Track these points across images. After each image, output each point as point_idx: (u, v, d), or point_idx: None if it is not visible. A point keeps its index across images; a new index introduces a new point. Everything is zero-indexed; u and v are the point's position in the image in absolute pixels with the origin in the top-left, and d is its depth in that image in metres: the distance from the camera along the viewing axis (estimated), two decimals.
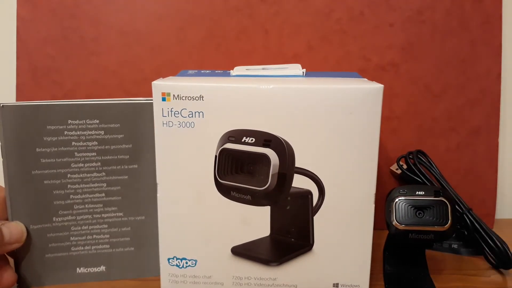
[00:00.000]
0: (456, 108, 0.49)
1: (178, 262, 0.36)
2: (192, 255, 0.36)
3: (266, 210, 0.35)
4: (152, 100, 0.33)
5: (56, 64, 0.49)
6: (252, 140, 0.33)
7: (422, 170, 0.44)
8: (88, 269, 0.39)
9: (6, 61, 0.51)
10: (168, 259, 0.36)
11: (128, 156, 0.38)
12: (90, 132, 0.37)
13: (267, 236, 0.35)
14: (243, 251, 0.35)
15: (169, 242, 0.36)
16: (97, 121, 0.37)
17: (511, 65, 0.52)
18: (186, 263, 0.36)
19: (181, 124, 0.34)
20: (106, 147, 0.37)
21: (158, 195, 0.35)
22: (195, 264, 0.36)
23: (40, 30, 0.49)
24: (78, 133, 0.37)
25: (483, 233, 0.41)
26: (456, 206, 0.42)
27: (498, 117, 0.50)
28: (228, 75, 0.38)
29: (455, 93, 0.49)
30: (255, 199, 0.34)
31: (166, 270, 0.36)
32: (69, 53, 0.49)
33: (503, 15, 0.49)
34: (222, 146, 0.34)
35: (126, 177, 0.38)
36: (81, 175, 0.37)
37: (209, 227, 0.35)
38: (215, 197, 0.34)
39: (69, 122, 0.36)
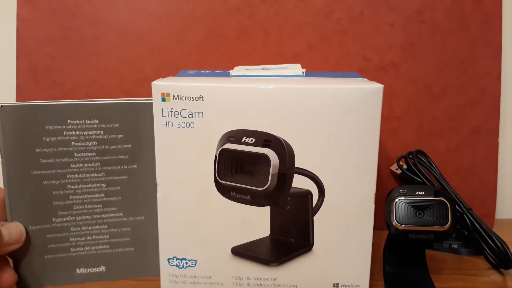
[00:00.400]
0: (456, 108, 0.49)
1: (178, 262, 0.36)
2: (192, 255, 0.36)
3: (266, 210, 0.35)
4: (151, 100, 0.33)
5: (56, 64, 0.49)
6: (252, 140, 0.33)
7: (422, 170, 0.44)
8: (88, 269, 0.39)
9: (6, 61, 0.51)
10: (168, 259, 0.36)
11: (127, 156, 0.38)
12: (89, 132, 0.37)
13: (267, 236, 0.35)
14: (243, 251, 0.35)
15: (169, 242, 0.36)
16: (97, 121, 0.37)
17: (511, 65, 0.52)
18: (186, 263, 0.36)
19: (181, 124, 0.34)
20: (105, 147, 0.37)
21: (158, 195, 0.35)
22: (195, 264, 0.36)
23: (40, 30, 0.48)
24: (78, 133, 0.37)
25: (483, 233, 0.41)
26: (456, 206, 0.42)
27: (498, 117, 0.50)
28: (228, 75, 0.38)
29: (455, 93, 0.49)
30: (255, 199, 0.34)
31: (166, 270, 0.36)
32: (69, 53, 0.49)
33: (503, 15, 0.49)
34: (222, 146, 0.34)
35: (126, 177, 0.38)
36: (81, 176, 0.37)
37: (209, 227, 0.35)
38: (215, 197, 0.34)
39: (68, 122, 0.36)
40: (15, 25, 0.49)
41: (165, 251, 0.36)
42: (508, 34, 0.51)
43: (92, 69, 0.49)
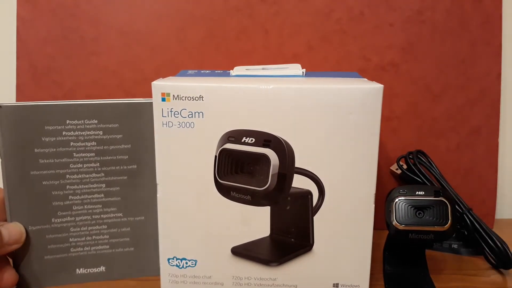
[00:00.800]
0: (456, 108, 0.49)
1: (178, 262, 0.36)
2: (192, 255, 0.36)
3: (266, 210, 0.35)
4: (151, 100, 0.33)
5: (56, 64, 0.49)
6: (252, 140, 0.33)
7: (422, 170, 0.44)
8: (88, 269, 0.39)
9: (6, 61, 0.51)
10: (168, 259, 0.36)
11: (127, 157, 0.38)
12: (88, 133, 0.37)
13: (267, 236, 0.35)
14: (243, 251, 0.35)
15: (169, 242, 0.36)
16: (96, 121, 0.37)
17: (511, 65, 0.52)
18: (186, 263, 0.36)
19: (181, 124, 0.34)
20: (104, 147, 0.37)
21: (158, 195, 0.35)
22: (195, 264, 0.36)
23: (40, 30, 0.48)
24: (77, 133, 0.37)
25: (483, 233, 0.41)
26: (456, 206, 0.42)
27: (498, 117, 0.50)
28: (228, 75, 0.38)
29: (455, 93, 0.49)
30: (255, 199, 0.34)
31: (166, 270, 0.36)
32: (69, 53, 0.49)
33: (503, 15, 0.49)
34: (222, 146, 0.34)
35: (125, 177, 0.38)
36: (80, 176, 0.37)
37: (209, 227, 0.35)
38: (215, 197, 0.34)
39: (67, 122, 0.36)
40: (15, 25, 0.49)
41: (165, 251, 0.36)
42: (508, 34, 0.51)
43: (92, 69, 0.49)
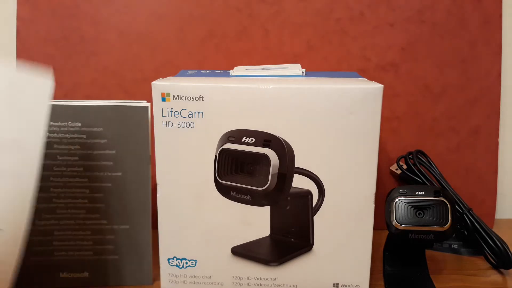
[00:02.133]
0: (456, 108, 0.49)
1: (178, 262, 0.36)
2: (192, 255, 0.36)
3: (266, 210, 0.35)
4: (137, 103, 0.33)
5: (56, 64, 0.49)
6: (252, 140, 0.33)
7: (422, 170, 0.44)
8: (71, 274, 0.38)
9: (6, 61, 0.51)
10: (168, 259, 0.36)
11: (111, 163, 0.36)
12: (72, 135, 0.36)
13: (267, 236, 0.35)
14: (243, 251, 0.35)
15: (169, 243, 0.36)
16: (79, 124, 0.35)
17: (511, 65, 0.52)
18: (186, 263, 0.36)
19: (181, 124, 0.34)
20: (88, 151, 0.36)
21: (158, 195, 0.35)
22: (195, 264, 0.36)
23: (40, 30, 0.48)
24: (60, 135, 0.35)
25: (483, 233, 0.41)
26: (456, 206, 0.42)
27: (498, 117, 0.50)
28: (228, 75, 0.38)
29: (455, 93, 0.49)
30: (255, 199, 0.34)
31: (166, 270, 0.36)
32: (69, 53, 0.49)
33: (503, 15, 0.49)
34: (222, 146, 0.34)
35: (110, 184, 0.37)
36: (64, 179, 0.36)
37: (209, 227, 0.35)
38: (215, 197, 0.34)
39: (50, 124, 0.35)
40: (15, 25, 0.49)
41: (165, 251, 0.36)
42: (508, 34, 0.51)
43: (92, 69, 0.49)
